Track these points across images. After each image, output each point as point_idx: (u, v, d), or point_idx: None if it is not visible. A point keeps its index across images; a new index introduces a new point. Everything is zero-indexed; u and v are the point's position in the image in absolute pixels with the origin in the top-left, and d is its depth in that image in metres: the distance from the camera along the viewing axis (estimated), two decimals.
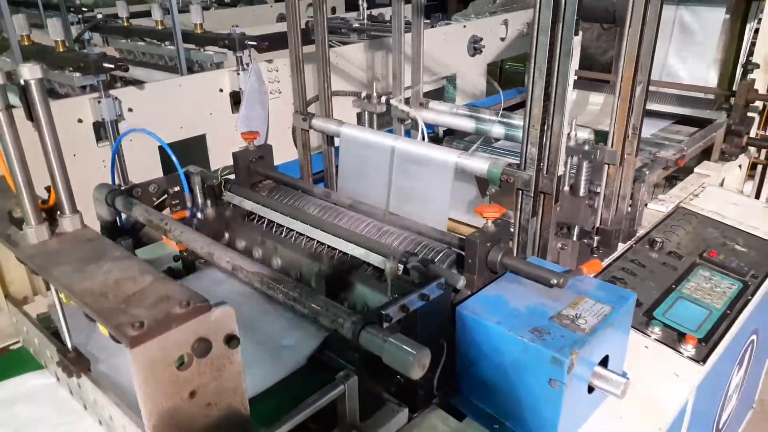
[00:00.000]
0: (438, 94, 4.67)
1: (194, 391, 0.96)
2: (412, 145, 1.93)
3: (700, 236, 2.25)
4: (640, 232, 2.24)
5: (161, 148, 2.48)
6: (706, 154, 2.97)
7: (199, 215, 1.86)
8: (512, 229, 1.72)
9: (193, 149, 3.34)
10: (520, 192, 1.68)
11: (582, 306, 1.38)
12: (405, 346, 1.08)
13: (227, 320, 0.97)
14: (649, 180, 2.30)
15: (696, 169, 2.84)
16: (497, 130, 2.32)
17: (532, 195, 1.65)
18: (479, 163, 1.77)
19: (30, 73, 1.07)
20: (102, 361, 1.28)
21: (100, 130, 2.87)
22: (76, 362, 1.20)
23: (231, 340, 0.98)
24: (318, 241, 1.70)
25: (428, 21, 5.13)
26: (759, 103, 3.05)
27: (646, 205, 2.41)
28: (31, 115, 1.10)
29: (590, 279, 1.48)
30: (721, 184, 2.90)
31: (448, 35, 4.75)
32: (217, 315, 0.96)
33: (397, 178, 1.93)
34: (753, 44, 3.16)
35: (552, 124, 1.64)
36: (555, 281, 1.39)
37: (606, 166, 2.04)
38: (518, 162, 1.69)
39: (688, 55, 3.37)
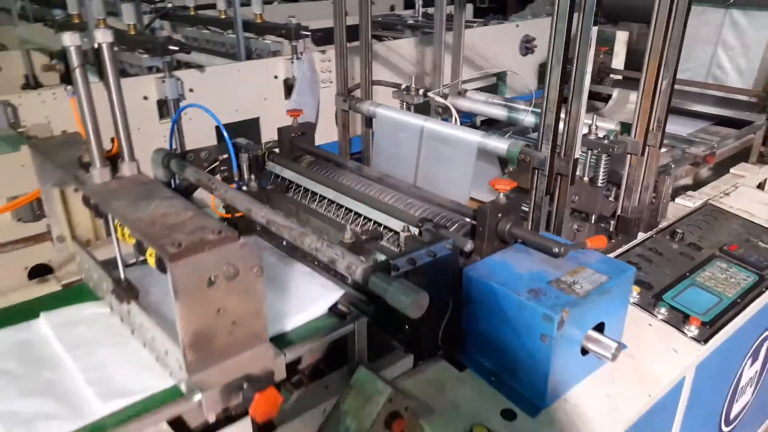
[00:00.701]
0: (490, 92, 4.77)
1: (221, 309, 1.13)
2: (440, 126, 2.07)
3: (724, 231, 2.28)
4: (663, 224, 2.30)
5: (217, 129, 2.68)
6: (746, 157, 2.97)
7: (244, 188, 2.05)
8: (525, 208, 1.83)
9: (247, 131, 3.56)
10: (536, 171, 1.79)
11: (581, 274, 1.49)
12: (406, 288, 1.22)
13: (253, 251, 1.14)
14: (675, 174, 2.35)
15: (732, 170, 2.85)
16: (529, 120, 2.42)
17: (546, 174, 1.76)
18: (500, 143, 1.89)
19: (102, 36, 1.26)
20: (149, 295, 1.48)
21: (162, 107, 3.14)
22: (127, 290, 1.39)
23: (255, 269, 1.15)
24: (346, 208, 1.86)
25: (482, 20, 5.25)
26: None
27: (673, 199, 2.46)
28: (101, 73, 1.29)
29: (594, 253, 1.58)
30: (761, 187, 2.90)
31: (499, 34, 4.85)
32: (244, 245, 1.12)
33: (425, 155, 2.07)
34: None
35: (570, 109, 1.74)
36: (557, 250, 1.50)
37: (628, 156, 2.11)
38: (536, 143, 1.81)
39: (735, 58, 3.37)
